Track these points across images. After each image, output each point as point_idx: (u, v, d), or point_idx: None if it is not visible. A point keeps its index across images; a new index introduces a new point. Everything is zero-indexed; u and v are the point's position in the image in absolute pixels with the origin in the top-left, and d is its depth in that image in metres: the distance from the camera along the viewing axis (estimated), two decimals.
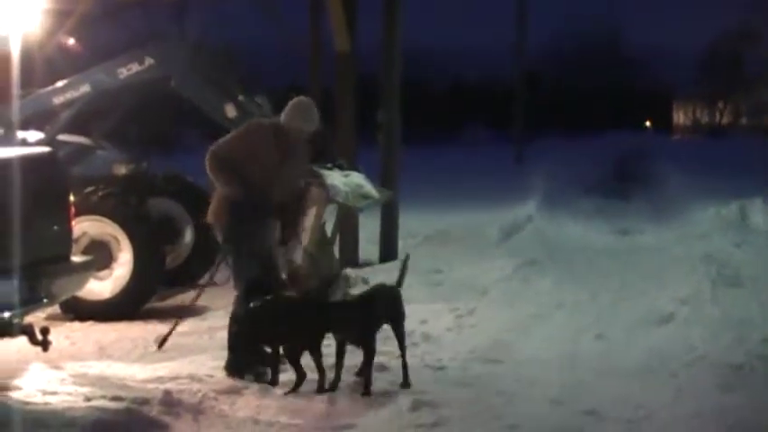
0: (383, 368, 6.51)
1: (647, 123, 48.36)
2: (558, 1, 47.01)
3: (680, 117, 54.09)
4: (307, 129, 6.56)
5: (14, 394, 5.94)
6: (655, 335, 7.54)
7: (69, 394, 5.93)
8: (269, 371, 6.29)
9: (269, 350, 6.30)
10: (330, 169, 8.90)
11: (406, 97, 11.73)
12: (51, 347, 6.33)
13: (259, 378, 6.28)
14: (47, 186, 6.47)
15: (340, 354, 6.05)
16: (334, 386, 6.03)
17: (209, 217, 6.58)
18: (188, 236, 10.05)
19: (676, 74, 46.94)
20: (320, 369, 6.04)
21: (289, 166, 6.55)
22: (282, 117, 6.58)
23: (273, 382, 6.19)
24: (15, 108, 8.87)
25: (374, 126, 11.51)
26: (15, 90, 8.96)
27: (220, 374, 6.29)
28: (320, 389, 5.99)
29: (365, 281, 9.57)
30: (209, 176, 6.48)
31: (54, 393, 5.95)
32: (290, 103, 6.58)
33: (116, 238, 8.61)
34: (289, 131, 6.52)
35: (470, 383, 6.25)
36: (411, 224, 12.76)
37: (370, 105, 11.62)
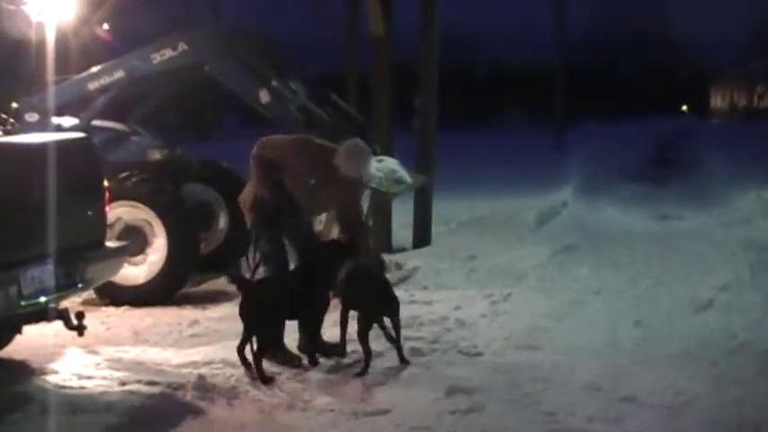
0: (418, 353, 6.48)
1: (684, 108, 47.88)
2: None
3: (717, 101, 53.43)
4: (351, 174, 6.32)
5: (51, 378, 6.00)
6: (695, 321, 7.42)
7: (105, 379, 5.98)
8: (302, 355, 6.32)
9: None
10: None
11: (444, 82, 11.64)
12: (87, 332, 6.34)
13: (294, 362, 6.28)
14: (81, 172, 6.47)
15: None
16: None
17: (240, 199, 6.60)
18: (222, 221, 10.05)
19: (715, 57, 46.39)
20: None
21: (330, 194, 6.43)
22: (336, 154, 6.37)
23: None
24: (51, 94, 8.90)
25: (412, 111, 11.44)
26: (51, 76, 9.00)
27: None
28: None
29: (399, 266, 9.54)
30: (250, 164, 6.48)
31: (90, 378, 6.00)
32: (345, 144, 6.39)
33: (150, 224, 8.62)
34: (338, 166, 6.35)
35: (506, 370, 6.18)
36: (446, 210, 12.69)
37: (407, 90, 11.54)
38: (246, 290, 6.17)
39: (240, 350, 6.08)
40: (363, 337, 6.10)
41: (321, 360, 6.36)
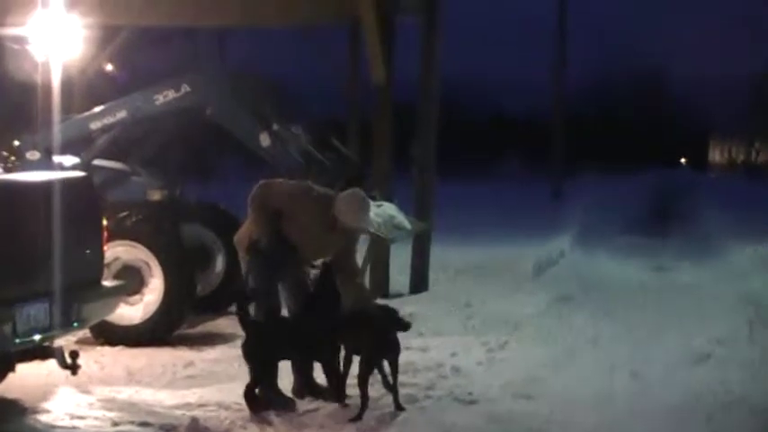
0: (413, 400, 6.44)
1: (682, 161, 48.18)
2: (599, 37, 47.01)
3: (715, 155, 53.70)
4: (349, 224, 6.36)
5: (43, 417, 5.96)
6: (691, 375, 7.39)
7: (97, 419, 5.94)
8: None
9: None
10: None
11: (443, 129, 11.67)
12: (81, 371, 6.33)
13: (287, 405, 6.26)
14: (80, 210, 6.49)
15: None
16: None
17: (235, 240, 6.61)
18: (220, 263, 10.04)
19: (714, 112, 46.68)
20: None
21: (329, 242, 6.47)
22: (335, 204, 6.40)
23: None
24: (53, 133, 8.94)
25: (410, 158, 11.48)
26: (54, 116, 9.04)
27: None
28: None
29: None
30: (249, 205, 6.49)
31: (82, 418, 5.97)
32: (344, 193, 6.44)
33: (148, 264, 8.61)
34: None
35: (501, 419, 6.14)
36: (444, 256, 12.67)
37: (408, 135, 11.58)
38: (251, 329, 6.23)
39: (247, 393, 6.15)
40: (363, 381, 6.06)
41: (316, 404, 6.33)
